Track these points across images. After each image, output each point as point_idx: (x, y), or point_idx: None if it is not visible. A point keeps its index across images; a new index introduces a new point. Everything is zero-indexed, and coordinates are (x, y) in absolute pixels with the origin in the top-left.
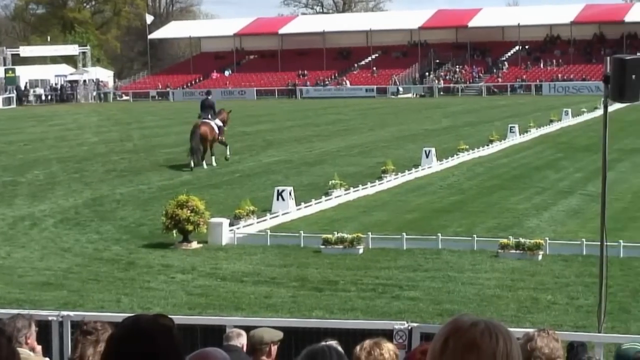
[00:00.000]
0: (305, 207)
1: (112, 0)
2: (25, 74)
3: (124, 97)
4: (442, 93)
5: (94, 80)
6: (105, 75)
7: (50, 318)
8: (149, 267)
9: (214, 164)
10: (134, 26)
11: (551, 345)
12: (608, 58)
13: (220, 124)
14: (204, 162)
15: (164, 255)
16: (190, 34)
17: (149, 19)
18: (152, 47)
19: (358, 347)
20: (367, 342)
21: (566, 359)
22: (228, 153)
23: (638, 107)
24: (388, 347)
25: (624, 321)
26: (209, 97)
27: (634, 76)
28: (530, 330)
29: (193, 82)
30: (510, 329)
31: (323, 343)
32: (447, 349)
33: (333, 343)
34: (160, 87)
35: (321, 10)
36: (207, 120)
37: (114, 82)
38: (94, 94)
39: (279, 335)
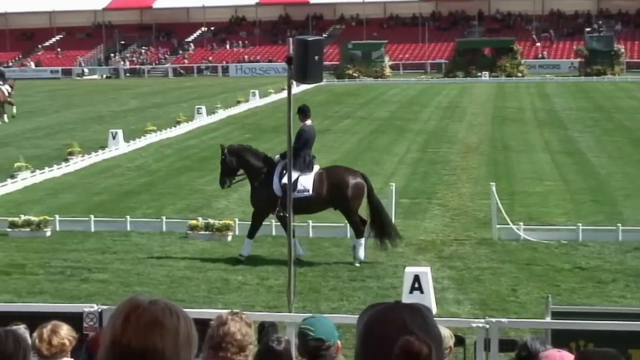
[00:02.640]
0: None
1: None
2: None
3: None
4: (128, 74)
5: None
6: None
7: None
8: None
9: (6, 120)
10: None
11: (243, 331)
12: (291, 39)
13: (9, 88)
14: (4, 117)
15: None
16: None
17: None
18: None
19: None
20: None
21: (257, 340)
22: (14, 111)
23: (325, 88)
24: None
25: (314, 300)
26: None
27: (316, 57)
28: (223, 312)
29: None
30: (201, 310)
31: (8, 327)
32: (128, 325)
33: (21, 327)
34: None
35: None
36: None
37: None
38: None
39: None
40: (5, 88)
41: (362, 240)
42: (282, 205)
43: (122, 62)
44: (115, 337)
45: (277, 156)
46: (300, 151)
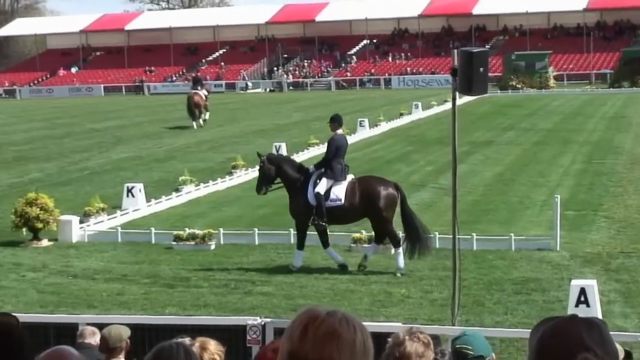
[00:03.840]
0: (156, 203)
1: None
2: None
3: None
4: (291, 88)
5: None
6: None
7: None
8: None
9: (201, 124)
10: None
11: (419, 352)
12: (455, 51)
13: (206, 93)
14: (199, 121)
15: (14, 254)
16: (35, 31)
17: None
18: None
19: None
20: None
21: None
22: (207, 117)
23: (488, 100)
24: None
25: (478, 314)
26: (198, 75)
27: (481, 69)
28: (402, 327)
29: (40, 80)
30: (364, 323)
31: (175, 340)
32: (306, 337)
33: (186, 340)
34: (7, 85)
35: (167, 6)
36: (197, 91)
37: None
38: None
39: (129, 331)
40: (203, 92)
41: (401, 250)
42: (316, 214)
43: (285, 76)
44: (292, 349)
45: (312, 166)
46: (332, 161)
